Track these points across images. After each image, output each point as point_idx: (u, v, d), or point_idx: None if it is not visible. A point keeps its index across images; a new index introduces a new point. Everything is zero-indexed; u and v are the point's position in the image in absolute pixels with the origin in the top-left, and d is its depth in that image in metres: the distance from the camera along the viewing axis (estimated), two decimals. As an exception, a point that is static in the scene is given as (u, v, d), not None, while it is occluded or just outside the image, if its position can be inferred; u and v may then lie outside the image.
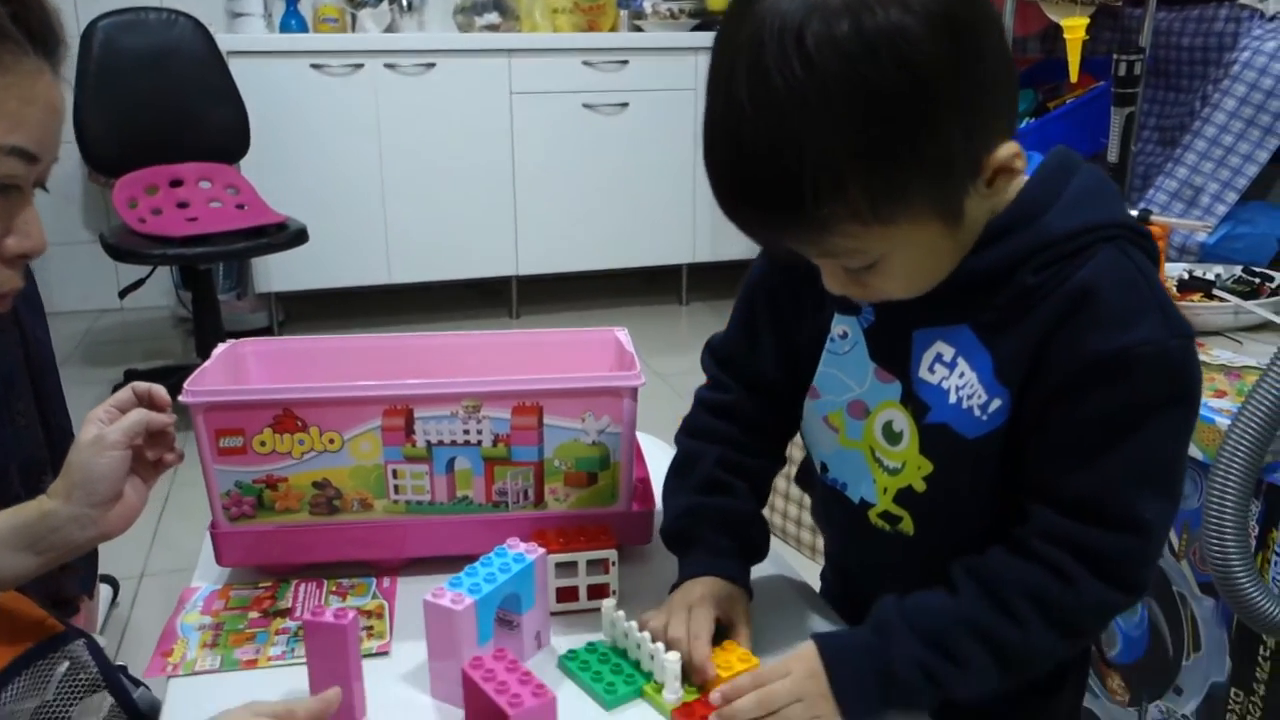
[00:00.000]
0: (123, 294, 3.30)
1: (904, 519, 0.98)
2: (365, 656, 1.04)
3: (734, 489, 1.08)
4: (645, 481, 1.26)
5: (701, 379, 1.18)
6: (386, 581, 1.18)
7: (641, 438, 1.35)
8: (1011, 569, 0.88)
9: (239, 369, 1.27)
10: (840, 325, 0.98)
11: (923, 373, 0.92)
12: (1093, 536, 0.86)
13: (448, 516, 1.17)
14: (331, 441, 1.13)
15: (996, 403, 0.88)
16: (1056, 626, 0.87)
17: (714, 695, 0.93)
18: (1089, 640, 0.90)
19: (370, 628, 1.09)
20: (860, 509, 1.01)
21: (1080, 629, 0.90)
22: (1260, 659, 1.66)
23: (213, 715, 0.82)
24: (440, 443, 1.14)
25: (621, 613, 1.02)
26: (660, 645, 0.97)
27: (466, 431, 1.14)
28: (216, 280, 4.02)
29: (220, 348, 1.23)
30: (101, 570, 2.36)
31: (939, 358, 0.91)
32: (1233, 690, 1.71)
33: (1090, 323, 0.83)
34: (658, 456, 1.42)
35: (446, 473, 1.15)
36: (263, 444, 1.12)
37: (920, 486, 0.94)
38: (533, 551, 1.02)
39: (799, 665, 0.91)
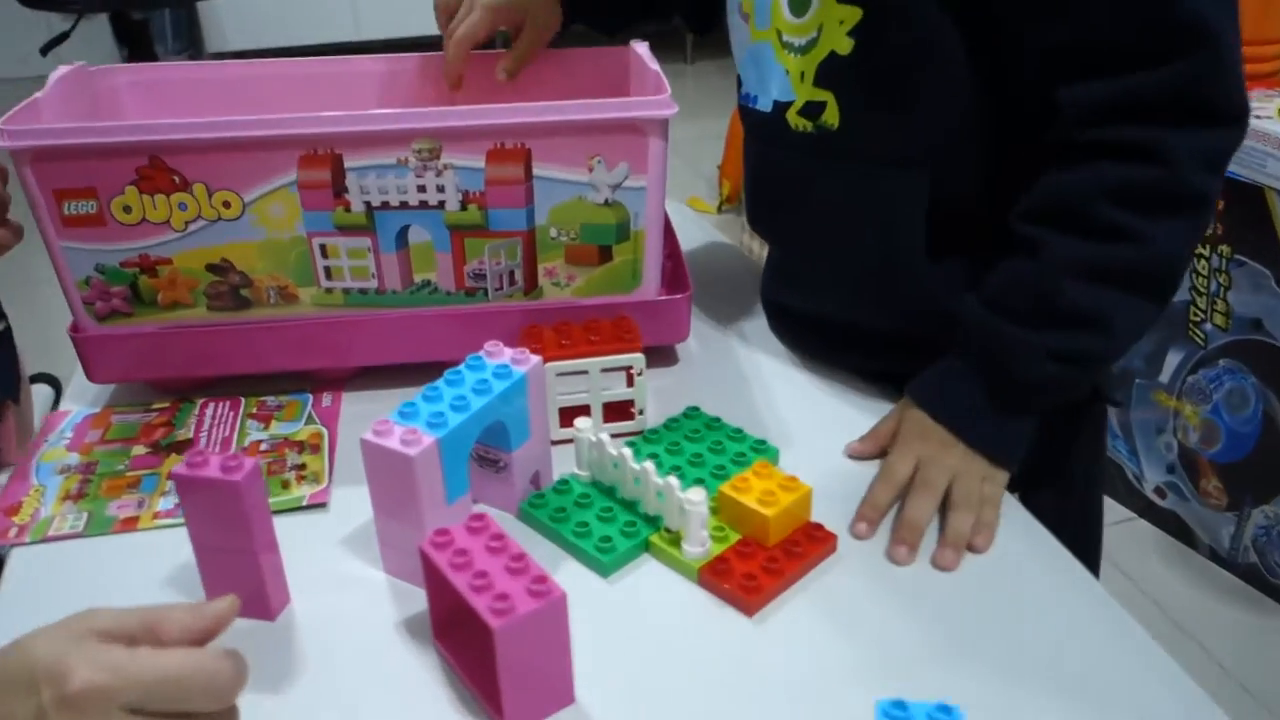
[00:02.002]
0: (45, 50, 2.84)
1: (828, 103, 0.79)
2: (290, 510, 0.73)
3: None
4: (678, 258, 0.92)
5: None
6: (327, 399, 0.86)
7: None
8: (1076, 184, 0.71)
9: (96, 108, 0.90)
10: None
11: None
12: (1140, 82, 0.67)
13: (403, 311, 0.83)
14: (227, 205, 0.78)
15: None
16: (1167, 209, 0.69)
17: (857, 527, 0.71)
18: (1210, 203, 0.71)
19: (302, 467, 0.78)
20: (775, 118, 0.83)
21: (1192, 196, 0.70)
22: None
23: (33, 631, 0.51)
24: (385, 205, 0.79)
25: (606, 434, 0.71)
26: (674, 480, 0.66)
27: (422, 188, 0.79)
28: (162, 35, 3.54)
29: (60, 71, 0.85)
30: (40, 369, 2.07)
31: None
32: (1367, 496, 1.44)
33: None
34: (688, 231, 1.08)
35: (397, 249, 0.81)
36: (127, 210, 0.77)
37: (845, 47, 0.76)
38: (523, 360, 0.69)
39: (904, 429, 0.76)
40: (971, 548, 0.68)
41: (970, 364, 0.75)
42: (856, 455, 0.77)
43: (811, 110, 0.79)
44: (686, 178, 3.07)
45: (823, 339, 0.89)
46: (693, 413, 0.80)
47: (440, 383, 0.67)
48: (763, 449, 0.76)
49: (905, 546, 0.67)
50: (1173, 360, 1.65)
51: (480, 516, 0.59)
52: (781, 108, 0.81)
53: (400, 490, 0.63)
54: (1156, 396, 1.70)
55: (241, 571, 0.62)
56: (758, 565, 0.65)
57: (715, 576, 0.65)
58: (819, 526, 0.68)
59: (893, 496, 0.72)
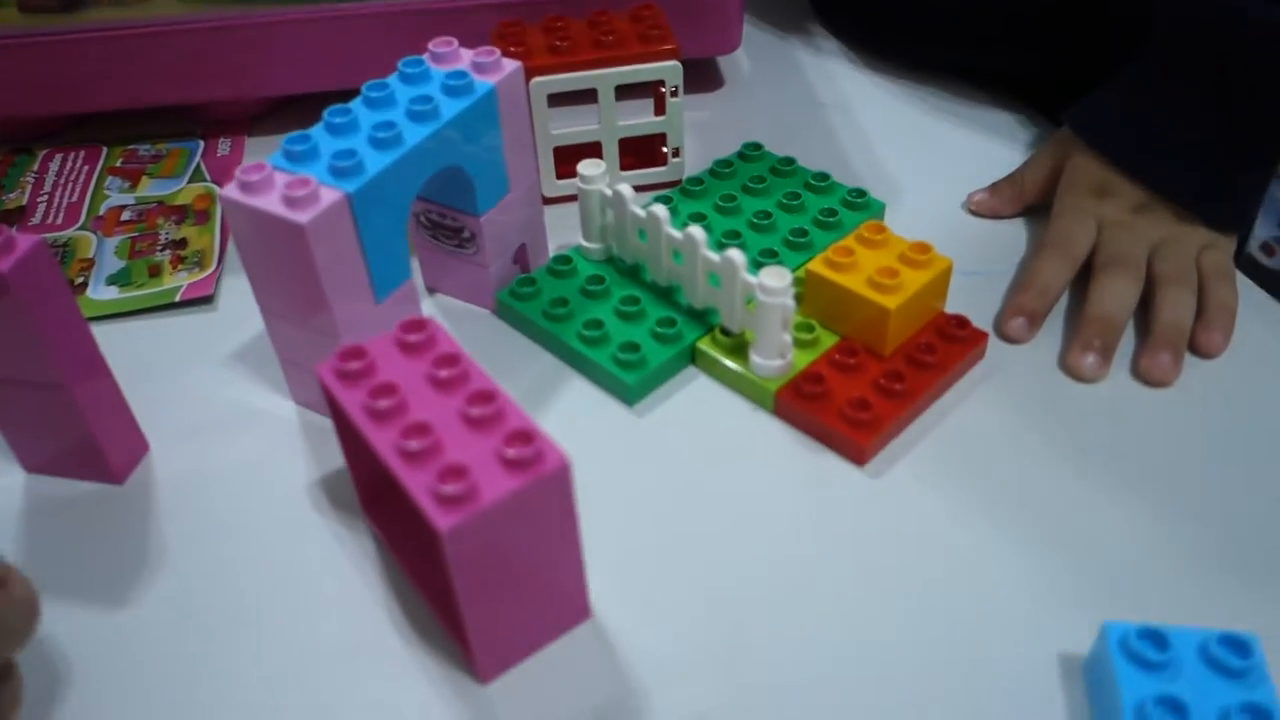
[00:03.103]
0: None
1: None
2: (160, 309, 0.49)
3: None
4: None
5: None
6: (224, 145, 0.61)
7: None
8: None
9: None
10: None
11: None
12: None
13: (314, 9, 0.56)
14: None
15: None
16: None
17: (1013, 323, 0.45)
18: None
19: (180, 244, 0.53)
20: None
21: None
22: None
23: None
24: None
25: (627, 186, 0.46)
26: (736, 254, 0.41)
27: None
28: None
29: None
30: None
31: None
32: None
33: None
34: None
35: (298, -95, 0.53)
36: None
37: None
38: (492, 65, 0.43)
39: (1071, 179, 0.50)
40: (1198, 347, 0.44)
41: (1181, 79, 0.48)
42: (981, 210, 0.53)
43: None
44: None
45: (912, 31, 0.63)
46: (753, 151, 0.54)
47: (355, 103, 0.41)
48: (861, 202, 0.51)
49: (1094, 353, 0.43)
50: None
51: (418, 323, 0.35)
52: None
53: (292, 281, 0.38)
54: None
55: (53, 414, 0.39)
56: (869, 385, 0.42)
57: (803, 404, 0.41)
58: (963, 322, 0.44)
59: (1067, 276, 0.47)
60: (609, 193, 0.46)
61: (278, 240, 0.37)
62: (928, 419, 0.42)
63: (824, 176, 0.52)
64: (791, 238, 0.48)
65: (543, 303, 0.46)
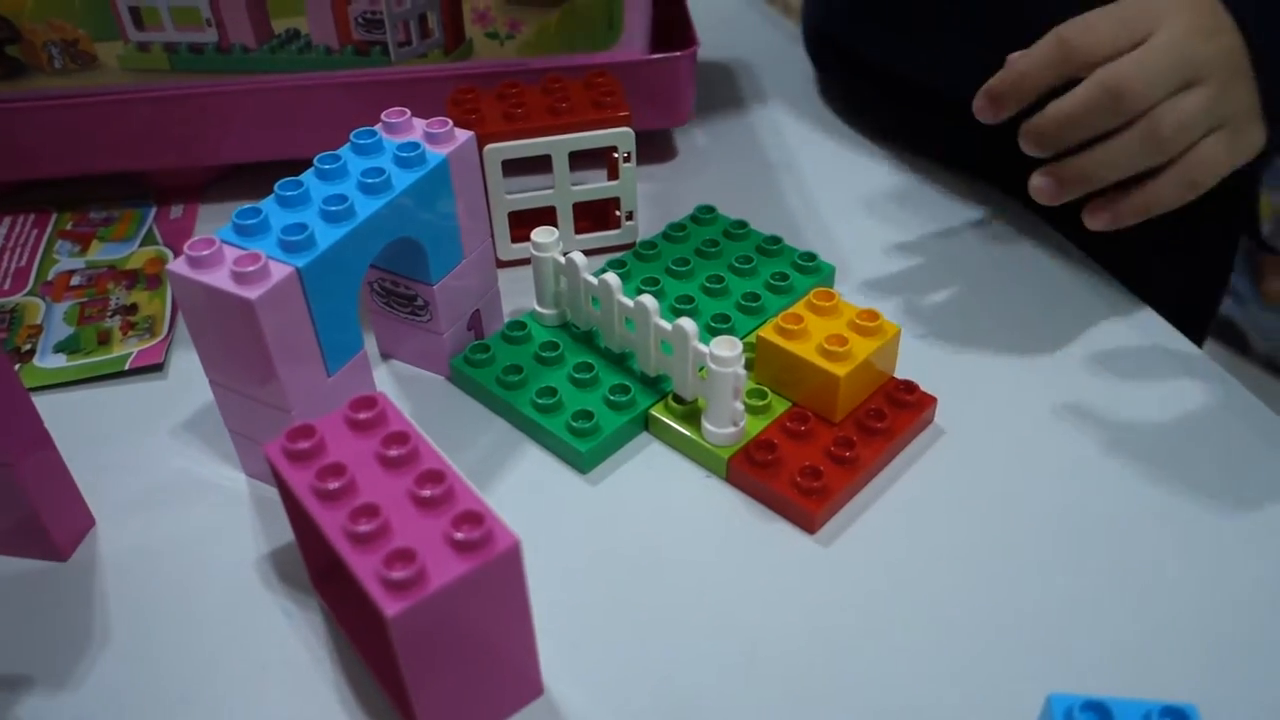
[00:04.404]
0: None
1: None
2: (108, 378, 0.49)
3: None
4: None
5: None
6: (176, 210, 0.60)
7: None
8: None
9: None
10: None
11: None
12: None
13: (262, 79, 0.56)
14: (-34, -98, 0.49)
15: None
16: None
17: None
18: None
19: (131, 309, 0.52)
20: None
21: None
22: None
23: None
24: (222, -100, 0.51)
25: (579, 252, 0.46)
26: (687, 323, 0.42)
27: None
28: None
29: None
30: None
31: None
32: None
33: None
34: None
35: (252, -26, 0.53)
36: None
37: None
38: (444, 136, 0.43)
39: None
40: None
41: None
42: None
43: None
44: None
45: (898, 105, 0.63)
46: (706, 214, 0.55)
47: (307, 175, 0.41)
48: (811, 266, 0.51)
49: (1053, 180, 0.45)
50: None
51: (369, 400, 0.35)
52: None
53: (242, 356, 0.38)
54: (1223, 185, 1.46)
55: (-7, 492, 0.38)
56: (821, 452, 0.42)
57: (755, 471, 0.41)
58: (911, 387, 0.44)
59: (1052, 76, 0.43)
60: (562, 260, 0.46)
61: (227, 315, 0.37)
62: (877, 484, 0.42)
63: (775, 240, 0.53)
64: (744, 302, 0.49)
65: (497, 370, 0.46)
